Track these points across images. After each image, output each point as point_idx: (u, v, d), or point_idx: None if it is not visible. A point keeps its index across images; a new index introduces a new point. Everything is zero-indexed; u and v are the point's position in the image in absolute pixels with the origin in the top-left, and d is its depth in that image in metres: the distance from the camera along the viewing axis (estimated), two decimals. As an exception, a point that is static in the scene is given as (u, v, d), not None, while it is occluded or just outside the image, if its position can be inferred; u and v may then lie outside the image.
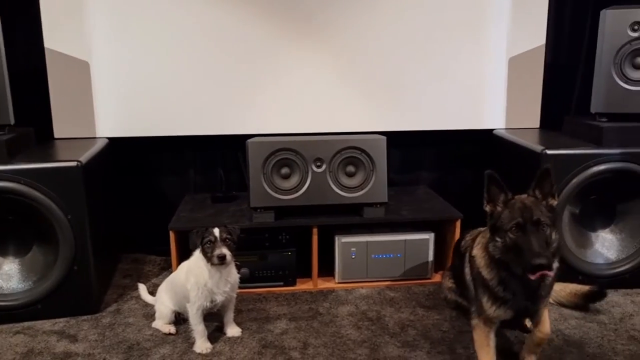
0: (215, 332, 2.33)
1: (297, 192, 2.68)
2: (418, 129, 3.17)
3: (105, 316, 2.48)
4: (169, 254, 2.70)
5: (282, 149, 2.64)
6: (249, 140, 2.67)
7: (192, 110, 3.03)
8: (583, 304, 2.48)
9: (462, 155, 3.36)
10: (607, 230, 2.76)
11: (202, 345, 2.19)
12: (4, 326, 2.38)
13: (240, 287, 2.34)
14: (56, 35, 2.87)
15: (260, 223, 2.69)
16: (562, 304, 2.51)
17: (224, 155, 3.21)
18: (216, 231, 2.11)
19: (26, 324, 2.40)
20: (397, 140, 3.11)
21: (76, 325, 2.40)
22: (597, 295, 2.45)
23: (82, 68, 2.93)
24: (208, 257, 2.12)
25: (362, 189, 2.70)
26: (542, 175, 1.85)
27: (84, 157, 2.45)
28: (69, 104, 2.95)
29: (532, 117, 3.23)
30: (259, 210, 2.68)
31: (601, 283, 2.54)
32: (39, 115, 2.95)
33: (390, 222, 2.78)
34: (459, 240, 2.38)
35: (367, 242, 2.75)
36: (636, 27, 2.61)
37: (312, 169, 2.66)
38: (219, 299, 2.19)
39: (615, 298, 2.59)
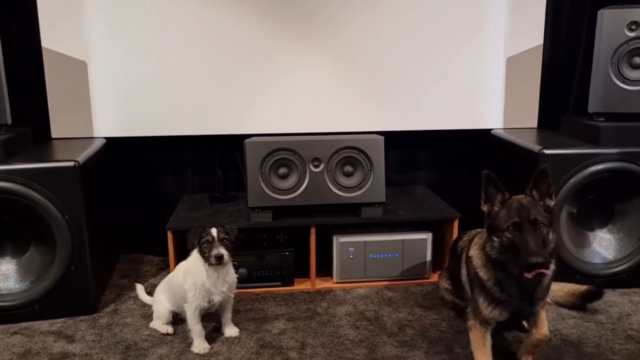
0: (213, 332, 2.32)
1: (295, 192, 2.68)
2: (416, 128, 3.17)
3: (103, 316, 2.48)
4: (166, 254, 2.70)
5: (280, 149, 2.63)
6: (247, 140, 2.67)
7: (190, 110, 3.03)
8: (580, 303, 2.48)
9: (460, 155, 3.36)
10: (604, 229, 2.76)
11: (199, 345, 2.19)
12: (1, 327, 2.38)
13: (238, 287, 2.34)
14: (54, 35, 2.87)
15: (258, 223, 2.68)
16: (559, 304, 2.52)
17: (222, 155, 3.21)
18: (214, 231, 2.11)
19: (23, 324, 2.40)
20: (395, 140, 3.11)
21: (73, 326, 2.39)
22: (594, 295, 2.46)
23: (79, 68, 2.92)
24: (205, 257, 2.11)
25: (360, 189, 2.70)
26: (539, 176, 1.86)
27: (82, 157, 2.45)
28: (66, 103, 2.94)
29: (529, 117, 3.24)
30: (256, 210, 2.67)
31: (599, 282, 2.55)
32: (37, 115, 2.94)
33: (388, 222, 2.78)
34: (456, 241, 2.38)
35: (365, 242, 2.75)
36: (633, 27, 2.62)
37: (309, 168, 2.66)
38: (217, 299, 2.19)
39: (612, 297, 2.60)
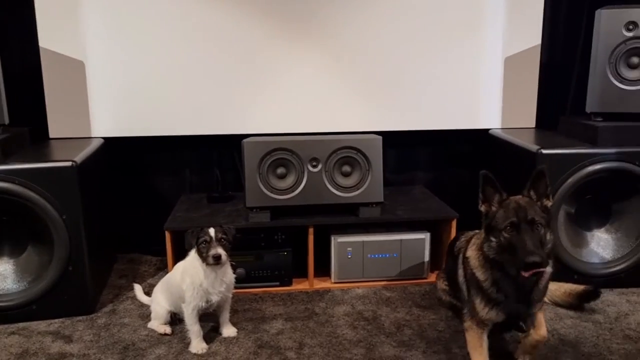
0: (211, 333, 2.32)
1: (293, 192, 2.67)
2: (414, 128, 3.18)
3: (101, 317, 2.48)
4: (164, 254, 2.70)
5: (278, 149, 2.63)
6: (245, 140, 2.66)
7: (188, 110, 3.03)
8: (578, 303, 2.48)
9: (458, 155, 3.36)
10: (602, 229, 2.76)
11: (197, 345, 2.19)
12: (-1, 327, 2.38)
13: (236, 287, 2.34)
14: (51, 35, 2.86)
15: (256, 223, 2.68)
16: (557, 304, 2.52)
17: (220, 155, 3.21)
18: (211, 231, 2.11)
19: (21, 324, 2.39)
20: (393, 140, 3.11)
21: (71, 326, 2.39)
22: (592, 295, 2.46)
23: (77, 68, 2.92)
24: (203, 257, 2.11)
25: (358, 189, 2.70)
26: (537, 176, 1.86)
27: (79, 157, 2.44)
28: (64, 103, 2.94)
29: (527, 117, 3.24)
30: (254, 210, 2.67)
31: (597, 282, 2.55)
32: (34, 115, 2.94)
33: (386, 221, 2.78)
34: (453, 242, 2.38)
35: (363, 242, 2.75)
36: (631, 27, 2.62)
37: (308, 168, 2.66)
38: (215, 299, 2.19)
39: (610, 297, 2.60)
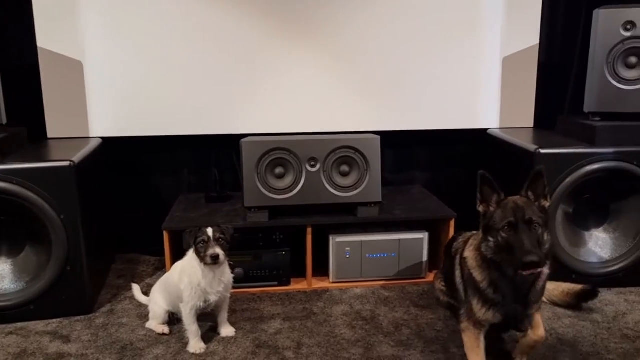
0: (209, 332, 2.32)
1: (291, 191, 2.67)
2: (412, 128, 3.18)
3: (99, 317, 2.47)
4: (163, 254, 2.70)
5: (276, 149, 2.63)
6: (243, 140, 2.66)
7: (186, 110, 3.02)
8: (576, 303, 2.48)
9: (456, 155, 3.36)
10: (600, 229, 2.77)
11: (195, 345, 2.18)
12: (-3, 327, 2.38)
13: (234, 287, 2.34)
14: (49, 35, 2.86)
15: (254, 223, 2.68)
16: (555, 303, 2.52)
17: (218, 155, 3.21)
18: (209, 231, 2.11)
19: (19, 324, 2.39)
20: (391, 140, 3.11)
21: (69, 326, 2.39)
22: (590, 294, 2.46)
23: (75, 67, 2.92)
24: (201, 257, 2.11)
25: (356, 189, 2.70)
26: (535, 177, 1.86)
27: (77, 157, 2.44)
28: (62, 103, 2.94)
29: (525, 117, 3.24)
30: (253, 210, 2.67)
31: (595, 282, 2.55)
32: (32, 115, 2.93)
33: (385, 221, 2.79)
34: (450, 243, 2.38)
35: (361, 241, 2.75)
36: (629, 27, 2.62)
37: (306, 168, 2.66)
38: (213, 299, 2.18)
39: (608, 297, 2.60)
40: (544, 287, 1.94)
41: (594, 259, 2.69)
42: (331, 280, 2.78)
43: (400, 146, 3.29)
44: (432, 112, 3.17)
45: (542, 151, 2.56)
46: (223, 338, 2.29)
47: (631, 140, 2.63)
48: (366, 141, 2.68)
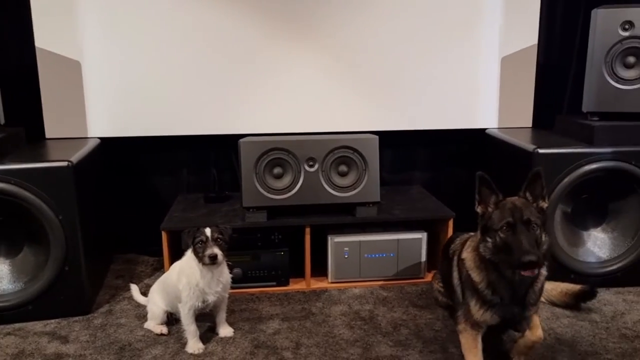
0: (208, 333, 2.32)
1: (289, 191, 2.67)
2: (411, 128, 3.18)
3: (97, 317, 2.47)
4: (161, 254, 2.69)
5: (275, 149, 2.63)
6: (241, 140, 2.66)
7: (185, 110, 3.02)
8: (574, 303, 2.48)
9: (454, 155, 3.36)
10: (599, 229, 2.77)
11: (194, 345, 2.18)
12: (-5, 327, 2.37)
13: (232, 287, 2.34)
14: (47, 35, 2.86)
15: (253, 223, 2.68)
16: (553, 303, 2.52)
17: (216, 155, 3.21)
18: (208, 231, 2.11)
19: (17, 325, 2.39)
20: (390, 140, 3.11)
21: (67, 326, 2.39)
22: (588, 294, 2.46)
23: (73, 67, 2.91)
24: (199, 257, 2.11)
25: (355, 189, 2.70)
26: (533, 178, 1.87)
27: (75, 157, 2.44)
28: (60, 103, 2.93)
29: (524, 117, 3.24)
30: (251, 210, 2.67)
31: (593, 282, 2.55)
32: (30, 115, 2.93)
33: (383, 221, 2.78)
34: (447, 244, 2.37)
35: (359, 241, 2.75)
36: (627, 27, 2.62)
37: (304, 168, 2.66)
38: (211, 299, 2.18)
39: (607, 296, 2.61)
40: (541, 289, 1.94)
41: (592, 259, 2.69)
42: (330, 281, 2.78)
43: (399, 146, 3.29)
44: (430, 112, 3.17)
45: (541, 151, 2.56)
46: (221, 338, 2.28)
47: (629, 140, 2.63)
48: (365, 141, 2.68)
